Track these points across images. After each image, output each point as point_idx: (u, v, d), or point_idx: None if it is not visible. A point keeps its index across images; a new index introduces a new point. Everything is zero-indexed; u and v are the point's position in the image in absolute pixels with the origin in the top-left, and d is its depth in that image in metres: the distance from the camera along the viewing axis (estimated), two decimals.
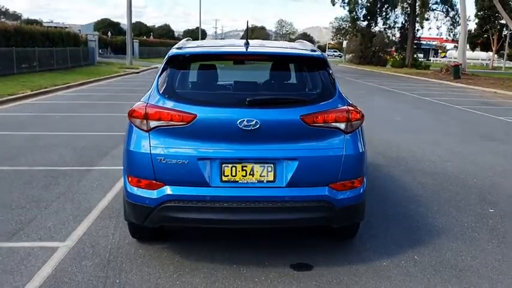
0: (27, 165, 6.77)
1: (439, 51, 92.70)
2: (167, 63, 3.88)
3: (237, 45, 4.37)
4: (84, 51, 33.19)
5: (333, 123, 3.65)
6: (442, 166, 7.49)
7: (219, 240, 4.38)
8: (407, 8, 50.67)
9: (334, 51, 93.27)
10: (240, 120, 3.48)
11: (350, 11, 51.30)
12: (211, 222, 3.71)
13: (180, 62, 3.94)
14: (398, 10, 51.62)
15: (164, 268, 3.82)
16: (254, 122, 3.49)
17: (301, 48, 4.33)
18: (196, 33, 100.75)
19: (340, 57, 76.00)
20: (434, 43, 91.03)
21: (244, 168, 3.56)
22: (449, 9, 49.06)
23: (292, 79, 4.27)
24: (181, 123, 3.52)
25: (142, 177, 3.62)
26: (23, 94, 15.45)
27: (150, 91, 3.81)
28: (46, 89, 17.23)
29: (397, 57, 51.15)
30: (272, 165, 3.57)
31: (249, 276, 3.72)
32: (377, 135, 10.03)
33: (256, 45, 4.34)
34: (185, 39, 4.74)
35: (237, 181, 3.56)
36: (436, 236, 4.63)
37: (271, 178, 3.57)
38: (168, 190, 3.57)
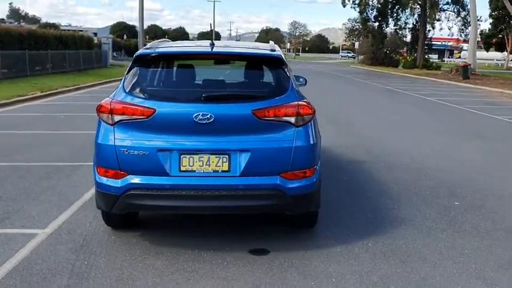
0: (24, 161, 7.16)
1: (455, 51, 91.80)
2: (134, 62, 4.22)
3: (203, 46, 4.68)
4: (97, 53, 33.87)
5: (283, 117, 3.93)
6: (423, 162, 7.69)
7: (187, 228, 4.69)
8: (415, 8, 50.46)
9: (347, 53, 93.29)
10: (195, 114, 3.79)
11: (361, 12, 51.40)
12: (172, 209, 4.03)
13: (146, 61, 4.27)
14: (409, 11, 51.41)
15: (131, 252, 4.14)
16: (209, 115, 3.80)
17: (261, 48, 4.62)
18: (210, 35, 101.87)
19: (354, 58, 75.84)
20: (450, 43, 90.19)
21: (201, 159, 3.86)
22: (460, 9, 48.83)
23: (249, 76, 4.55)
24: (142, 117, 3.85)
25: (108, 167, 3.95)
26: (33, 95, 15.98)
27: (117, 88, 4.14)
28: (56, 90, 17.77)
29: (408, 58, 50.96)
30: (227, 156, 3.86)
31: (207, 260, 4.01)
32: (367, 133, 10.26)
33: (221, 46, 4.63)
34: (159, 40, 5.06)
35: (195, 171, 3.87)
36: (396, 226, 4.87)
37: (226, 168, 3.87)
38: (132, 179, 3.89)
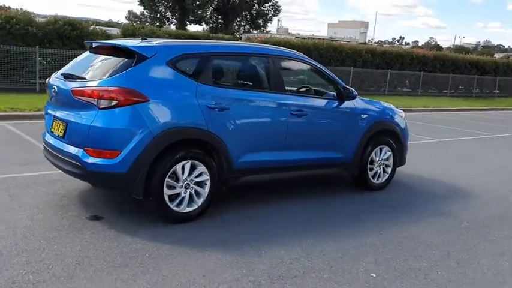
0: None
1: None
2: None
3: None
4: None
5: (87, 98, 4.40)
6: None
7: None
8: None
9: None
10: (52, 88, 4.85)
11: None
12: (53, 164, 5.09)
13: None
14: None
15: (24, 207, 5.02)
16: (55, 88, 4.78)
17: (131, 40, 4.94)
18: None
19: None
20: None
21: (57, 124, 4.85)
22: None
23: (102, 62, 4.84)
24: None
25: None
26: None
27: None
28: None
29: None
30: (65, 125, 4.69)
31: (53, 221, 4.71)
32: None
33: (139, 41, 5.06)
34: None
35: (53, 133, 4.91)
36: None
37: (61, 134, 4.73)
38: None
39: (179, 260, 3.92)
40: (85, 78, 4.66)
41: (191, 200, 4.76)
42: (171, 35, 17.80)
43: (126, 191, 4.63)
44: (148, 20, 50.12)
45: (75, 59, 5.38)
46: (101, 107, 4.34)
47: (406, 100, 21.20)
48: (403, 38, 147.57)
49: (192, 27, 48.29)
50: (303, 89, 6.10)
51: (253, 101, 5.15)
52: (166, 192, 4.57)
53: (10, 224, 4.44)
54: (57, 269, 3.64)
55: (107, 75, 4.50)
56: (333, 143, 5.86)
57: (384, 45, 48.44)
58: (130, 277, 3.59)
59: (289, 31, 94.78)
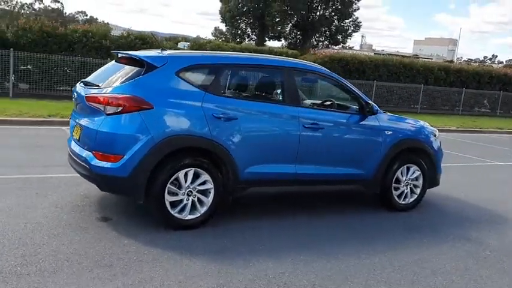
0: None
1: None
2: None
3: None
4: None
5: (97, 104, 4.63)
6: None
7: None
8: None
9: None
10: (73, 94, 5.17)
11: None
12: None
13: None
14: None
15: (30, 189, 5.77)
16: (75, 95, 5.09)
17: (151, 51, 5.05)
18: None
19: None
20: None
21: (77, 128, 5.13)
22: None
23: (119, 71, 5.00)
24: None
25: None
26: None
27: None
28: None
29: None
30: (81, 129, 4.97)
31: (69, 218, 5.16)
32: None
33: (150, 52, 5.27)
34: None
35: (74, 137, 5.20)
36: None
37: (78, 138, 5.00)
38: None
39: (163, 265, 3.99)
40: (99, 86, 4.91)
41: (194, 207, 4.83)
42: (235, 50, 18.21)
43: (128, 195, 4.81)
44: (230, 36, 51.65)
45: (101, 68, 5.69)
46: (107, 112, 4.55)
47: (480, 121, 20.10)
48: (496, 56, 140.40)
49: (271, 43, 49.19)
50: (327, 103, 6.00)
51: (263, 112, 5.12)
52: (168, 198, 4.67)
53: (25, 219, 4.75)
54: (46, 264, 3.84)
55: (117, 83, 4.73)
56: (350, 158, 5.67)
57: (473, 64, 46.30)
58: (109, 277, 3.70)
59: (373, 47, 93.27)
